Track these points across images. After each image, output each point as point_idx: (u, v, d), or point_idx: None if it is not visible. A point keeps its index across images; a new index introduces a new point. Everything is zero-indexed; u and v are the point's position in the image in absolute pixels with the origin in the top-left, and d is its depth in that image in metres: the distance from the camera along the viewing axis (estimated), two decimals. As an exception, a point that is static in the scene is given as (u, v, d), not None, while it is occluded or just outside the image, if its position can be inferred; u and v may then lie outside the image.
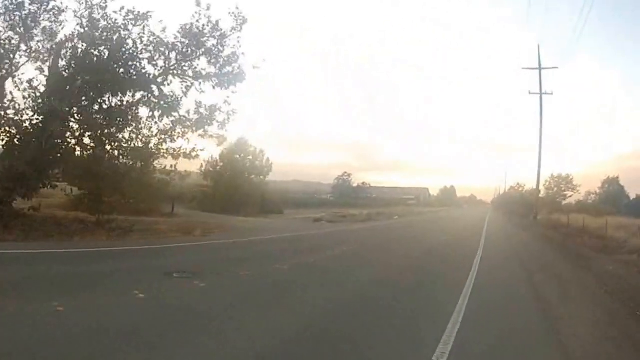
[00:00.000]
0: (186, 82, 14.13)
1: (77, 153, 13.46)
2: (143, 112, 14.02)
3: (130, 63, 13.08)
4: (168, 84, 13.94)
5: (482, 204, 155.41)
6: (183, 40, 13.61)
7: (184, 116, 14.12)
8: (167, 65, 13.81)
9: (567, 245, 16.52)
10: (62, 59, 13.23)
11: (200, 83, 14.23)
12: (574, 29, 39.86)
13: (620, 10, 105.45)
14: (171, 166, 14.60)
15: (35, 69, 13.05)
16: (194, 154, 14.40)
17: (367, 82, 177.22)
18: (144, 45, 13.37)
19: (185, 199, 30.07)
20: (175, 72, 14.02)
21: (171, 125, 14.10)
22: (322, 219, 30.18)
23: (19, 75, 12.89)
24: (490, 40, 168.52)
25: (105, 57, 12.76)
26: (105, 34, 12.78)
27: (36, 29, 12.75)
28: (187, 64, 14.04)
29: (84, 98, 12.90)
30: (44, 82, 12.84)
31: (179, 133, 14.19)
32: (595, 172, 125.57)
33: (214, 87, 14.27)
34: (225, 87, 14.23)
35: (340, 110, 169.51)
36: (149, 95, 13.65)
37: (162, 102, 13.71)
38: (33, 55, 12.97)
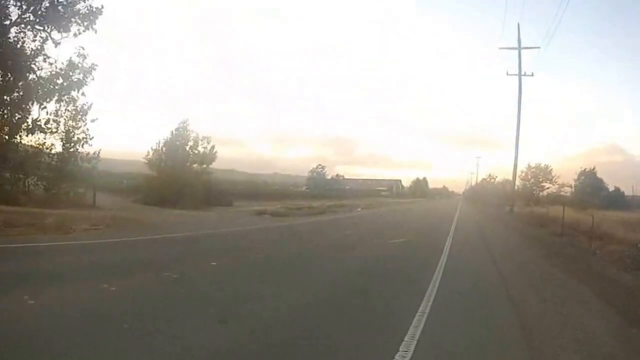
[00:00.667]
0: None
1: None
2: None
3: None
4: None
5: (453, 195, 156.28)
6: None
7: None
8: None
9: (574, 257, 11.11)
10: None
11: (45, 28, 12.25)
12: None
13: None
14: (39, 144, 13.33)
15: None
16: (49, 126, 13.26)
17: (347, 79, 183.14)
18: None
19: (129, 191, 30.73)
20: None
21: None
22: (265, 211, 26.87)
23: None
24: (464, 36, 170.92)
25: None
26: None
27: None
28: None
29: None
30: None
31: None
32: (569, 166, 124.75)
33: (60, 31, 12.38)
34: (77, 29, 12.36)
35: (322, 105, 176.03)
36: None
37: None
38: None
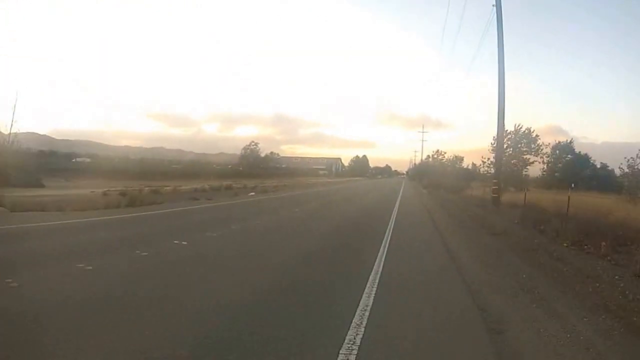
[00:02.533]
0: None
1: None
2: None
3: None
4: None
5: (397, 174, 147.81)
6: None
7: None
8: None
9: None
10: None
11: None
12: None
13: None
14: None
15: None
16: None
17: (293, 57, 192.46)
18: None
19: None
20: None
21: None
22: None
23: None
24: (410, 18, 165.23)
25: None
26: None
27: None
28: None
29: None
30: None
31: None
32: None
33: None
34: None
35: (268, 84, 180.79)
36: None
37: None
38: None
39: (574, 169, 35.67)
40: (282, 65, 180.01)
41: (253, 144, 66.81)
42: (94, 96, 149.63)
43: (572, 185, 33.07)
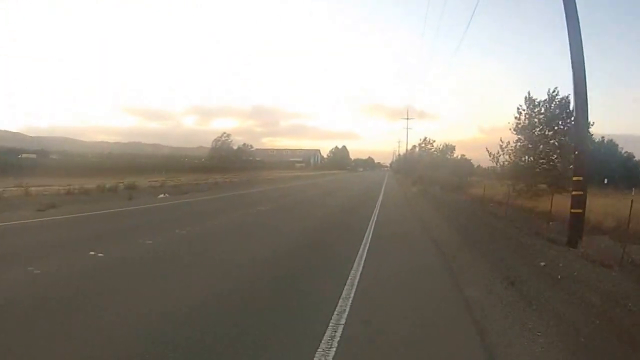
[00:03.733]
0: None
1: None
2: None
3: None
4: None
5: (380, 166, 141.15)
6: None
7: None
8: None
9: None
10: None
11: None
12: None
13: None
14: None
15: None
16: None
17: (274, 47, 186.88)
18: None
19: None
20: None
21: None
22: None
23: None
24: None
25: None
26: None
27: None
28: None
29: None
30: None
31: None
32: (500, 136, 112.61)
33: None
34: None
35: (248, 77, 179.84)
36: None
37: None
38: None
39: (600, 160, 28.46)
40: (262, 57, 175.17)
41: (225, 135, 60.74)
42: (71, 92, 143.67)
43: (605, 181, 25.97)
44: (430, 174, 37.16)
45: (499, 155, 20.12)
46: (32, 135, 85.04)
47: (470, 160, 42.46)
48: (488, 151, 20.46)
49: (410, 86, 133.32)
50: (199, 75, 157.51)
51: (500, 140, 20.01)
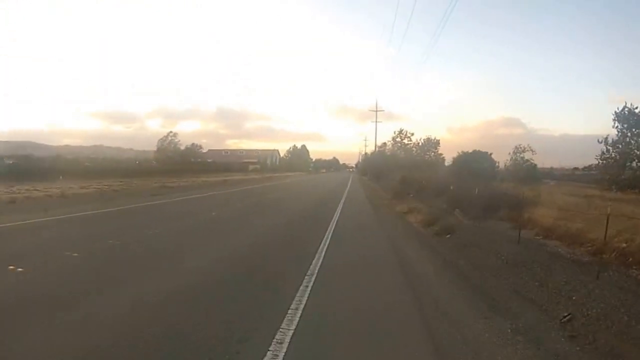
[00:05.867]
0: None
1: None
2: None
3: None
4: None
5: (345, 168, 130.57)
6: None
7: None
8: None
9: None
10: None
11: None
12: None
13: None
14: None
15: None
16: None
17: (240, 50, 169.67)
18: None
19: None
20: None
21: None
22: None
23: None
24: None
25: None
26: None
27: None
28: None
29: None
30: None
31: None
32: (468, 136, 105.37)
33: None
34: None
35: (212, 78, 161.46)
36: None
37: None
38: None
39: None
40: (228, 59, 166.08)
41: (172, 135, 56.02)
42: (36, 95, 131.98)
43: None
44: (411, 176, 24.55)
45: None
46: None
47: (491, 154, 28.23)
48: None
49: (379, 88, 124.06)
50: (164, 77, 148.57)
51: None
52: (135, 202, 15.23)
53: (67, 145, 79.36)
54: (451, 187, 12.87)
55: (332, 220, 11.23)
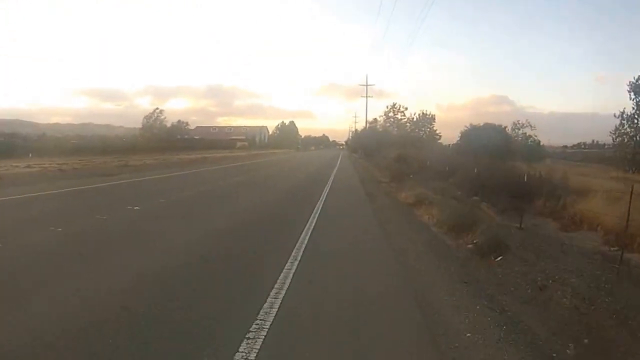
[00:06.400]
0: None
1: None
2: None
3: None
4: None
5: (334, 145, 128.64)
6: None
7: None
8: None
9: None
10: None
11: None
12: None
13: None
14: None
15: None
16: None
17: (230, 27, 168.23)
18: None
19: None
20: None
21: None
22: None
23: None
24: None
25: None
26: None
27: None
28: None
29: None
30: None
31: None
32: (457, 115, 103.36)
33: None
34: None
35: (203, 55, 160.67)
36: None
37: None
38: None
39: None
40: (217, 36, 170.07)
41: (158, 111, 55.83)
42: (25, 72, 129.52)
43: None
44: (411, 153, 22.01)
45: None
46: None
47: (505, 128, 24.38)
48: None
49: (368, 65, 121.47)
50: (154, 55, 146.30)
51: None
52: (68, 185, 12.34)
53: (56, 124, 79.65)
54: (475, 170, 10.18)
55: (305, 232, 6.76)
